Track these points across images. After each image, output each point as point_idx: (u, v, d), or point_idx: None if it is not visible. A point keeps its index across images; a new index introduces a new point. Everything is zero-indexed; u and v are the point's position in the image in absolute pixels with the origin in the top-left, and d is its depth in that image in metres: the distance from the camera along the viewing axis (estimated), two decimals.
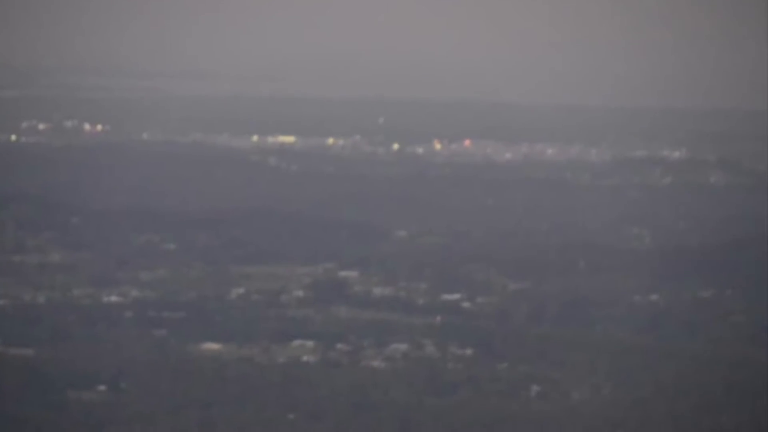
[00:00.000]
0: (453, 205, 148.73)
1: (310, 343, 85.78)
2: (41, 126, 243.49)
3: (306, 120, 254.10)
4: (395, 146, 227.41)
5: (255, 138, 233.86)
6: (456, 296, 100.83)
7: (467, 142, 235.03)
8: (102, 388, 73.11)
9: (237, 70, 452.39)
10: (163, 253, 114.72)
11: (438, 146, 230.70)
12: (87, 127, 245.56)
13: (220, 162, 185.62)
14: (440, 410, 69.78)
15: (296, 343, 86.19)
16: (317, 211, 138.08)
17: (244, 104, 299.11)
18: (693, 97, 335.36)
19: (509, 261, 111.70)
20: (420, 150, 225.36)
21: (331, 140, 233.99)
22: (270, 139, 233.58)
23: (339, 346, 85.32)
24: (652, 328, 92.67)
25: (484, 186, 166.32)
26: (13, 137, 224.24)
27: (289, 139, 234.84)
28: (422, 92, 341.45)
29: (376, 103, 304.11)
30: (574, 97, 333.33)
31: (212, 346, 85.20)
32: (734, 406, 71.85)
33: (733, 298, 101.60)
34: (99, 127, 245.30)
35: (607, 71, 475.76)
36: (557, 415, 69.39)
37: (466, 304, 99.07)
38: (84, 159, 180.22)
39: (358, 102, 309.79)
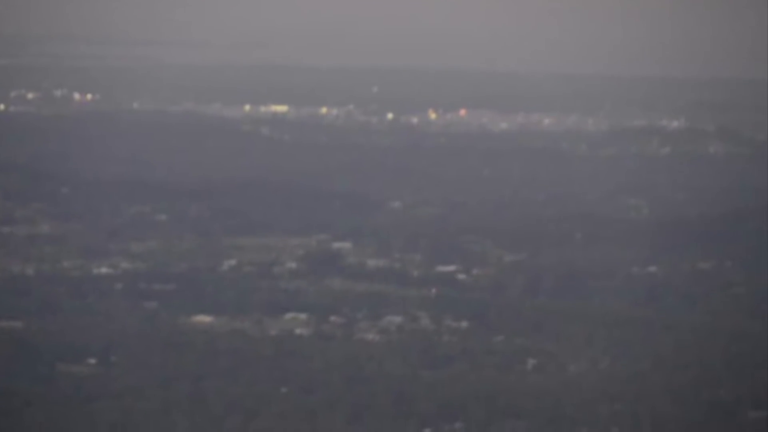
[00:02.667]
0: (448, 176, 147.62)
1: (303, 316, 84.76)
2: (30, 95, 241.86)
3: (299, 89, 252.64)
4: (390, 116, 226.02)
5: (247, 107, 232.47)
6: (451, 268, 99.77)
7: (463, 112, 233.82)
8: (92, 361, 72.17)
9: (229, 38, 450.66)
10: (154, 224, 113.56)
11: (433, 116, 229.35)
12: (77, 96, 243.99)
13: (212, 132, 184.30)
14: (435, 383, 68.80)
15: (289, 315, 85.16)
16: (310, 181, 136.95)
17: (236, 73, 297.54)
18: (692, 66, 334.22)
19: (505, 232, 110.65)
20: (415, 119, 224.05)
21: (324, 109, 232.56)
22: (262, 109, 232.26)
23: (332, 318, 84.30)
24: (650, 300, 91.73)
25: (479, 156, 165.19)
26: (2, 106, 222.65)
27: (282, 108, 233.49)
28: (417, 61, 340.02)
29: (371, 71, 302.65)
30: (571, 65, 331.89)
31: (204, 318, 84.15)
32: (734, 378, 70.93)
33: (732, 270, 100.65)
34: (89, 96, 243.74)
35: (604, 39, 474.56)
36: (554, 388, 68.41)
37: (461, 276, 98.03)
38: (73, 128, 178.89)
39: (352, 71, 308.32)
